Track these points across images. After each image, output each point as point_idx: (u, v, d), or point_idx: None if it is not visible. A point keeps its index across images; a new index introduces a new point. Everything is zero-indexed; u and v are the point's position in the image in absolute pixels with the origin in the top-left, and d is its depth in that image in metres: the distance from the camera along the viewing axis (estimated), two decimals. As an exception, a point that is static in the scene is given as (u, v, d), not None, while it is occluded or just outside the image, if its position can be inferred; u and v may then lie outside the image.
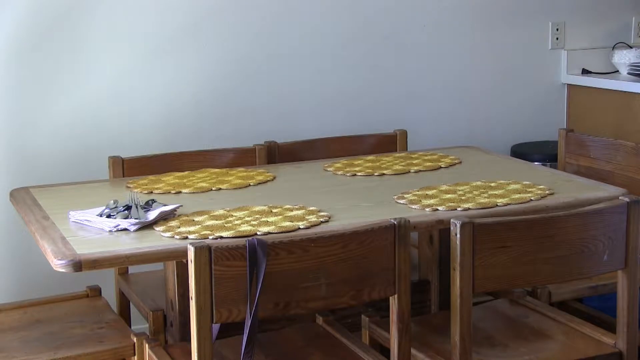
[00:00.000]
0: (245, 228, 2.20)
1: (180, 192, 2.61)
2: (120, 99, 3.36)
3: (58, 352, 2.40)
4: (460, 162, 2.96)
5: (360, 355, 2.29)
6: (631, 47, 4.09)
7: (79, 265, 2.02)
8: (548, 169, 3.13)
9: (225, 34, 3.49)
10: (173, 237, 2.16)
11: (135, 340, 2.42)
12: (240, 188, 2.65)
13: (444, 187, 2.58)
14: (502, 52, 4.00)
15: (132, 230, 2.22)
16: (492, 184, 2.61)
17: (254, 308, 1.93)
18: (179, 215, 2.33)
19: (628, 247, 2.25)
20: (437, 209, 2.36)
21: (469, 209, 2.36)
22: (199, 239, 2.13)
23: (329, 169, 2.88)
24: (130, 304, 2.92)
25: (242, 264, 1.93)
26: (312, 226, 2.23)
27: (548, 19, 4.06)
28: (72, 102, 3.30)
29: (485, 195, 2.49)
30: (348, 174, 2.81)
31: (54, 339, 2.49)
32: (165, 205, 2.36)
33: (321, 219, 2.28)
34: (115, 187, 2.72)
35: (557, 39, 4.08)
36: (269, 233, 2.17)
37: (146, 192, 2.60)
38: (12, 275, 3.28)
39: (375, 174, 2.80)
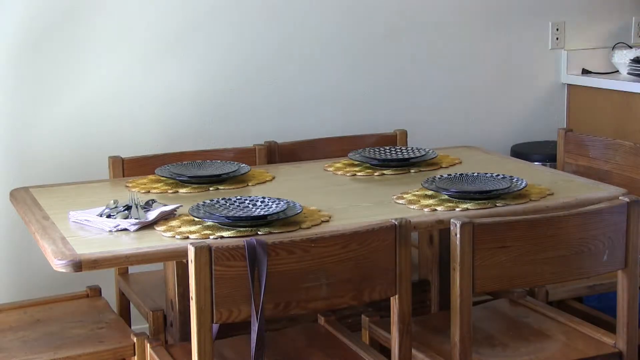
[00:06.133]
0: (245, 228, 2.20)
1: (177, 191, 2.61)
2: (120, 99, 3.36)
3: (58, 352, 2.40)
4: (460, 162, 2.96)
5: (361, 356, 2.29)
6: (631, 47, 4.09)
7: (79, 265, 2.02)
8: (548, 169, 3.13)
9: (225, 34, 3.49)
10: (174, 237, 2.16)
11: (135, 340, 2.42)
12: (239, 188, 2.65)
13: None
14: (502, 52, 4.00)
15: (132, 230, 2.22)
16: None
17: (259, 308, 1.93)
18: (179, 215, 2.33)
19: (628, 247, 2.25)
20: (436, 209, 2.37)
21: (468, 209, 2.36)
22: (199, 239, 2.14)
23: (329, 169, 2.88)
24: (130, 304, 2.92)
25: (243, 264, 1.93)
26: (312, 226, 2.23)
27: (548, 19, 4.06)
28: (72, 102, 3.29)
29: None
30: (348, 174, 2.81)
31: (54, 339, 2.49)
32: (165, 205, 2.36)
33: (321, 219, 2.29)
34: (115, 187, 2.72)
35: (557, 39, 4.08)
36: (270, 233, 2.17)
37: (145, 191, 2.60)
38: (12, 275, 3.28)
39: (375, 174, 2.80)
